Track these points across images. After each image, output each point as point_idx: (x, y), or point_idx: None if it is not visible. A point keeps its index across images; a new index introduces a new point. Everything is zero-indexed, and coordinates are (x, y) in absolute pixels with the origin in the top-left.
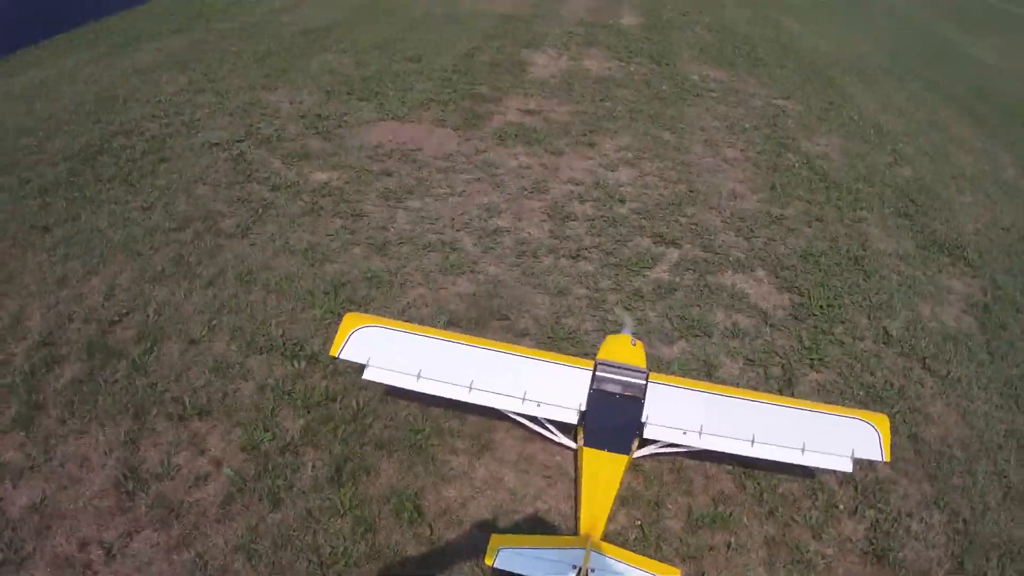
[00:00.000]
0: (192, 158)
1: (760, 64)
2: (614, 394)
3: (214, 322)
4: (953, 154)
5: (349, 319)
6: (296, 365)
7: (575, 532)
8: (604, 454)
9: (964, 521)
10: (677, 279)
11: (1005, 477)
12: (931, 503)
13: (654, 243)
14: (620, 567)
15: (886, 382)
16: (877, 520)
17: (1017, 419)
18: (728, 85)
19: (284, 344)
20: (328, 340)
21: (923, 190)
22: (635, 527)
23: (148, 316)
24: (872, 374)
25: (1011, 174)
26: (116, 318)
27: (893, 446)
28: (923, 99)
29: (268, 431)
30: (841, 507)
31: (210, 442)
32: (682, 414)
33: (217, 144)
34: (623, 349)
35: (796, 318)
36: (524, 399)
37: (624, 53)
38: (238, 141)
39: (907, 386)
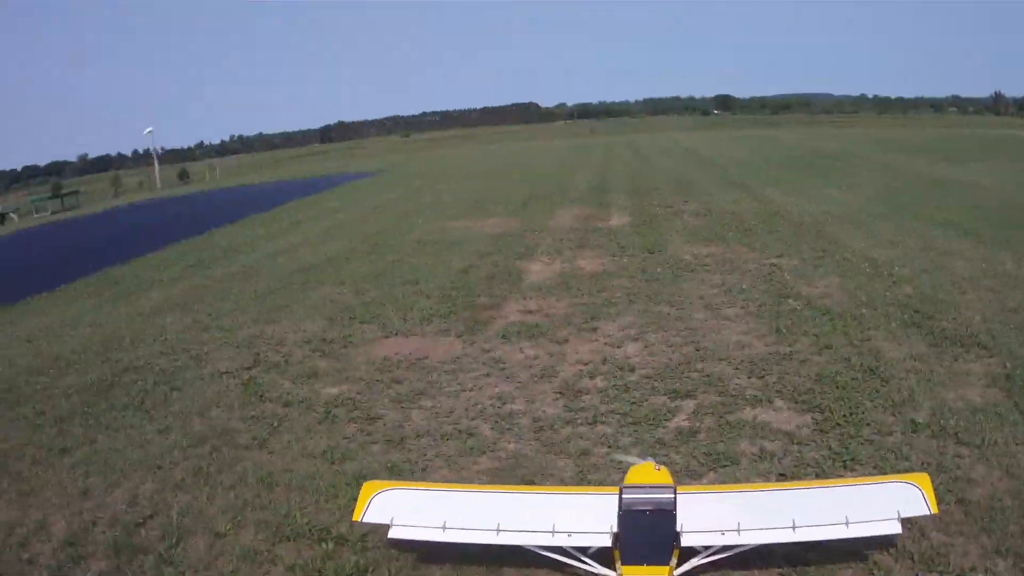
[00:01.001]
0: (203, 386)
1: (750, 233)
2: (644, 511)
3: (238, 518)
4: (949, 265)
5: (368, 486)
6: (325, 546)
7: None
8: (643, 568)
9: None
10: (697, 424)
11: None
12: (992, 552)
13: (669, 399)
14: None
15: (923, 463)
16: None
17: None
18: (721, 257)
19: (311, 531)
20: (352, 527)
21: (926, 299)
22: None
23: (172, 518)
24: (907, 460)
25: (1009, 267)
26: (140, 520)
27: (940, 507)
28: (912, 228)
29: None
30: None
31: None
32: (717, 516)
33: (227, 372)
34: (648, 474)
35: (822, 431)
36: (554, 532)
37: (616, 249)
38: (247, 368)
39: (944, 461)
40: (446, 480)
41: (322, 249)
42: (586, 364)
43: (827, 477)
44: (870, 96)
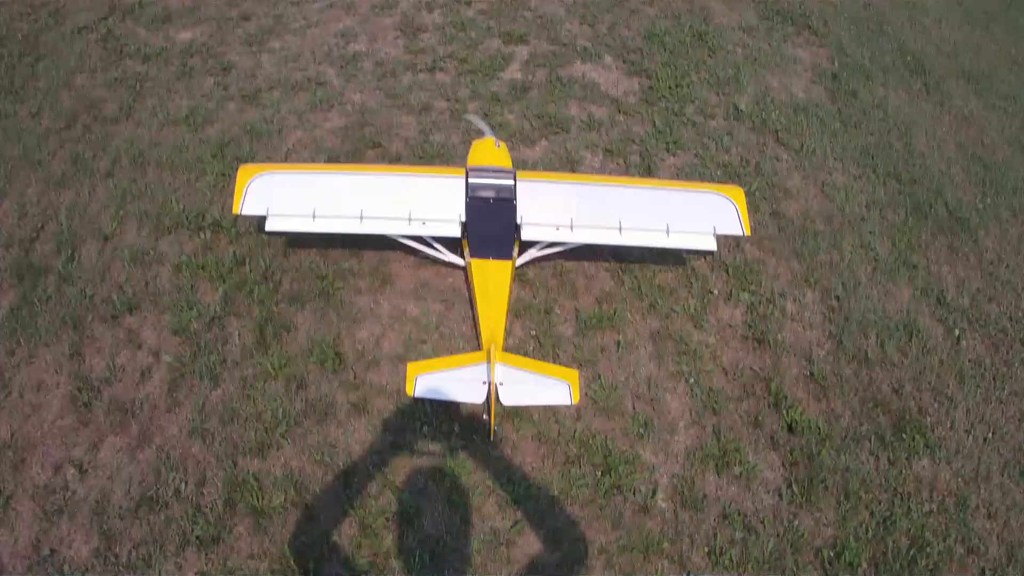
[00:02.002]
0: (65, 48)
1: None
2: (488, 199)
3: (121, 212)
4: None
5: (244, 171)
6: (203, 236)
7: (478, 348)
8: (490, 263)
9: (837, 298)
10: (530, 77)
11: (872, 250)
12: (802, 281)
13: (503, 43)
14: (523, 375)
15: (742, 159)
16: (752, 303)
17: (877, 189)
18: None
19: (187, 218)
20: (225, 204)
21: None
22: (531, 338)
23: (61, 224)
24: (727, 152)
25: None
26: (34, 235)
27: (754, 223)
28: None
29: (192, 308)
30: (716, 292)
31: (144, 335)
32: (553, 209)
33: (85, 27)
34: (489, 153)
35: (647, 102)
36: (410, 219)
37: None
38: (103, 19)
39: (762, 162)
40: (304, 143)
41: None
42: None
43: (651, 160)
44: None
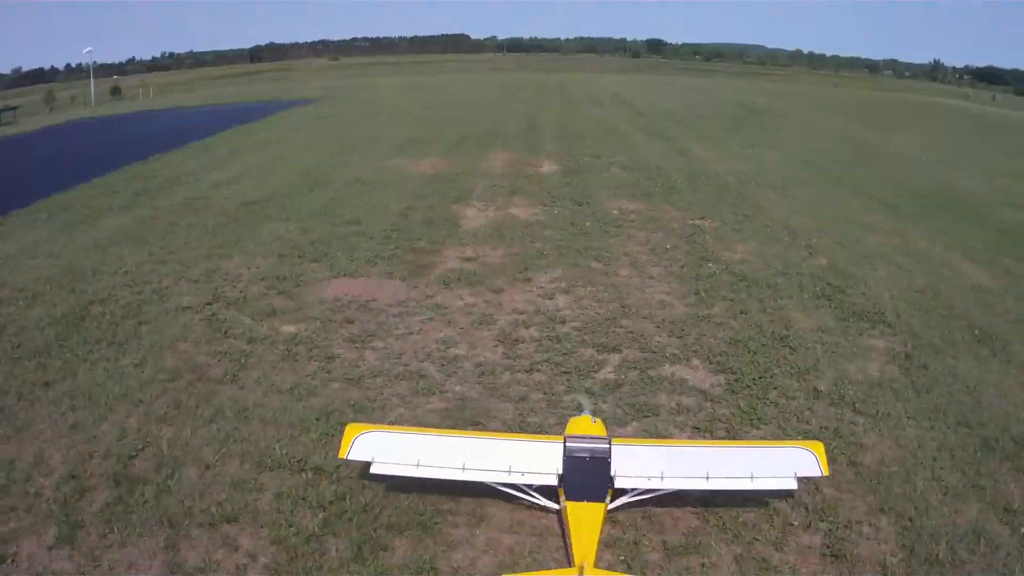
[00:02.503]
0: (169, 320)
1: (675, 191)
2: (584, 457)
3: (223, 450)
4: (865, 238)
5: (351, 428)
6: (304, 475)
7: None
8: (583, 504)
9: (910, 520)
10: (622, 377)
11: (942, 481)
12: (877, 510)
13: (597, 352)
14: None
15: (821, 428)
16: (830, 530)
17: (947, 435)
18: (647, 214)
19: (290, 462)
20: (327, 456)
21: (838, 273)
22: (619, 562)
23: (162, 450)
24: (807, 423)
25: (922, 246)
26: (133, 453)
27: (832, 472)
28: (832, 198)
29: (292, 527)
30: (796, 523)
31: (241, 541)
32: (644, 465)
33: (189, 307)
34: (585, 426)
35: (732, 391)
36: (510, 471)
37: (547, 199)
38: (208, 304)
39: (840, 427)
40: (405, 419)
41: (264, 183)
42: (521, 313)
43: (735, 433)
44: (805, 52)
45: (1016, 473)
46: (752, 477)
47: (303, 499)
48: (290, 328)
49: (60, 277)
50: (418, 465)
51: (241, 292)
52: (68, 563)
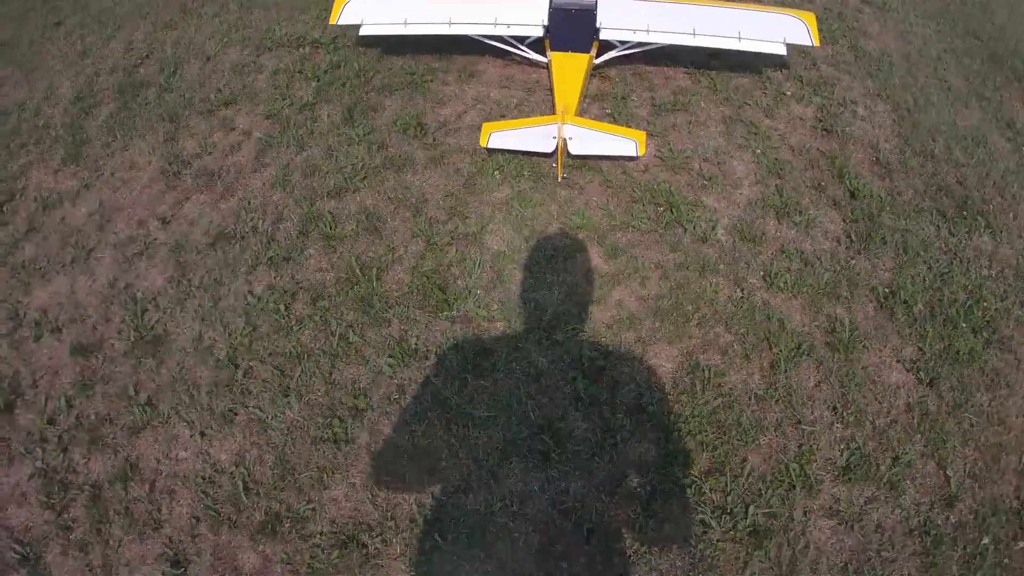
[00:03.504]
0: None
1: None
2: (570, 9)
3: (225, 39)
4: None
5: None
6: (302, 50)
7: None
8: (569, 54)
9: (908, 111)
10: None
11: (945, 81)
12: (874, 95)
13: None
14: (592, 133)
15: (824, 9)
16: (824, 105)
17: (955, 40)
18: None
19: (288, 40)
20: (324, 31)
21: None
22: (606, 115)
23: (166, 53)
24: (811, 2)
25: None
26: (138, 62)
27: (831, 52)
28: None
29: (286, 99)
30: (789, 94)
31: (238, 120)
32: (631, 17)
33: None
34: None
35: None
36: (496, 23)
37: None
38: None
39: (844, 11)
40: None
41: None
42: None
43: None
44: None
45: (1023, 95)
46: (740, 37)
47: (299, 72)
48: None
49: None
50: (405, 23)
51: None
52: (73, 180)
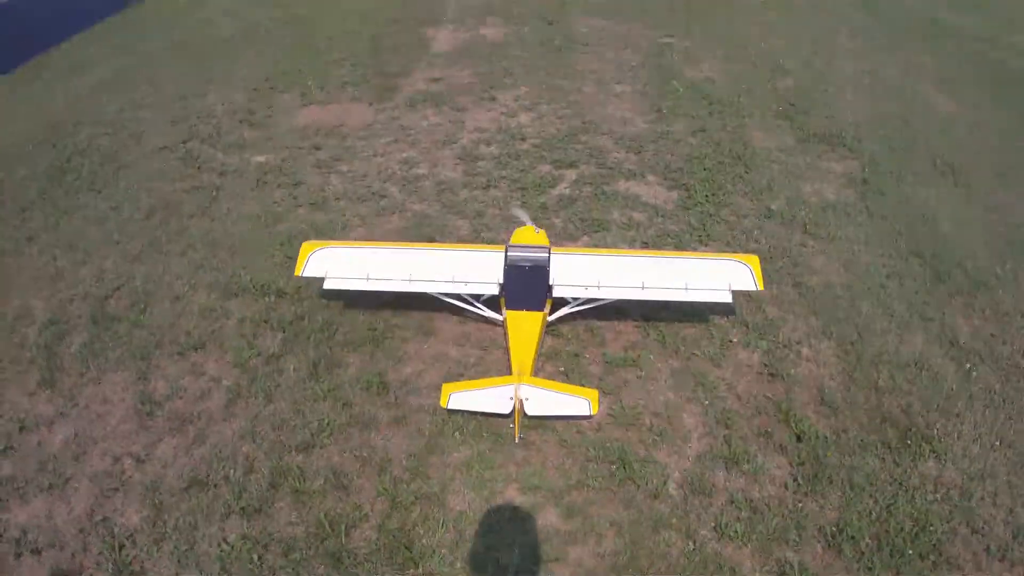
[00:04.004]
0: (146, 162)
1: (647, 10)
2: (524, 266)
3: (193, 280)
4: (837, 63)
5: (306, 246)
6: (267, 299)
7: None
8: (523, 313)
9: (852, 343)
10: (576, 192)
11: (888, 308)
12: (819, 333)
13: (554, 168)
14: (545, 393)
15: (770, 248)
16: (769, 349)
17: (898, 264)
18: (616, 32)
19: (254, 287)
20: (289, 280)
21: (803, 94)
22: (560, 374)
23: (136, 287)
24: (756, 242)
25: (894, 73)
26: (109, 293)
27: (776, 292)
28: (807, 20)
29: (253, 349)
30: (735, 340)
31: (207, 367)
32: (582, 273)
33: (165, 148)
34: (528, 236)
35: (685, 208)
36: (453, 281)
37: (517, 19)
38: (183, 143)
39: (789, 248)
40: (365, 238)
41: (242, 20)
42: (483, 132)
43: (685, 248)
44: None
45: (966, 308)
46: (687, 288)
47: (265, 322)
48: (260, 158)
49: (43, 134)
50: (367, 279)
51: (214, 127)
52: (48, 406)
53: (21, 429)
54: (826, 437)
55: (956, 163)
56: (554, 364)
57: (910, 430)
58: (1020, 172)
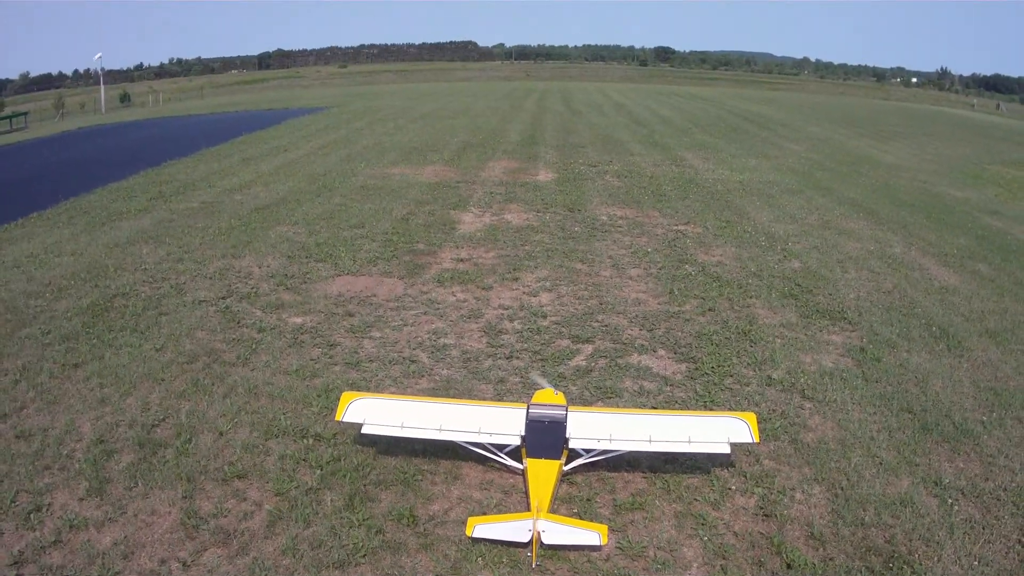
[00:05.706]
0: (186, 312)
1: (664, 199)
2: (544, 421)
3: (235, 420)
4: (841, 244)
5: (346, 395)
6: (306, 441)
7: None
8: (542, 461)
9: (841, 488)
10: (592, 364)
11: (877, 457)
12: (811, 479)
13: (572, 342)
14: (560, 526)
15: (769, 410)
16: (765, 495)
17: (889, 419)
18: (634, 220)
19: (293, 430)
20: (326, 426)
21: (809, 275)
22: (572, 514)
23: (181, 420)
24: (757, 406)
25: (897, 251)
26: (155, 423)
27: (773, 448)
28: (817, 204)
29: (293, 480)
30: (734, 488)
31: (250, 493)
32: (595, 428)
33: (204, 300)
34: (547, 397)
35: (692, 378)
36: (479, 432)
37: (540, 205)
38: (222, 298)
39: (788, 410)
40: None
41: (274, 189)
42: (507, 309)
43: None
44: (812, 60)
45: (951, 453)
46: (690, 441)
47: (304, 460)
48: (296, 319)
49: (84, 273)
50: (402, 427)
51: (252, 287)
52: (97, 511)
53: (71, 526)
54: (814, 564)
55: (951, 329)
56: (568, 507)
57: (893, 556)
58: (1012, 332)
